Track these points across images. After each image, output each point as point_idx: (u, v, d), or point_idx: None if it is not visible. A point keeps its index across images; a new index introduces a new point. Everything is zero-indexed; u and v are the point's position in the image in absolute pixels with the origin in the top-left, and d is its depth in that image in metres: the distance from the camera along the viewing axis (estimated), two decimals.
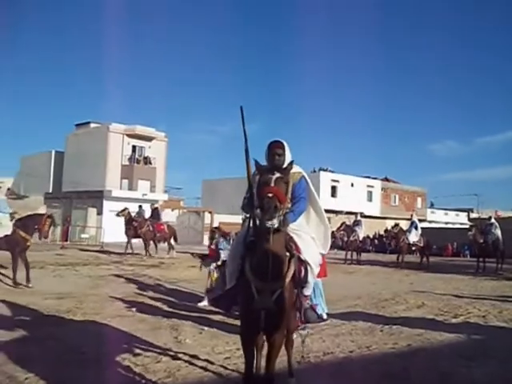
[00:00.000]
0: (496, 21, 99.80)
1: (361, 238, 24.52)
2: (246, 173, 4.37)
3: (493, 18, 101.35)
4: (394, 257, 24.38)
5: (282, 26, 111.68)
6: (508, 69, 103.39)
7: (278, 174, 3.90)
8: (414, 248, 23.34)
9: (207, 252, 11.57)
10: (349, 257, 24.00)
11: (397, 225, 24.01)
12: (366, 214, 29.46)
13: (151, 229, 23.02)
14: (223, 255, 9.97)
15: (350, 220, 26.74)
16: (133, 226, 22.75)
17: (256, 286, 3.94)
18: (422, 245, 23.09)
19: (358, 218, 25.20)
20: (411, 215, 25.55)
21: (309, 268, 4.62)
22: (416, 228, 23.15)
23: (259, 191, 3.85)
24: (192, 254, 10.78)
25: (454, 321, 9.26)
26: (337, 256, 27.46)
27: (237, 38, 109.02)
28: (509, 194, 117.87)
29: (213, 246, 10.82)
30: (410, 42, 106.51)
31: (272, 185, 3.79)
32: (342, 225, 25.17)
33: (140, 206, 24.04)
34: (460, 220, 67.44)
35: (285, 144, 4.86)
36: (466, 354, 6.71)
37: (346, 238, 24.30)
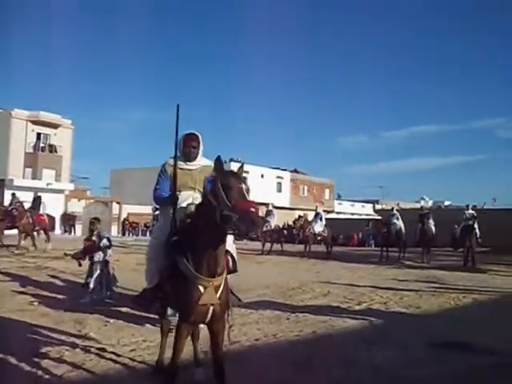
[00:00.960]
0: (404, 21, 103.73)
1: (273, 228, 24.76)
2: (166, 166, 4.80)
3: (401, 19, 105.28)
4: (302, 247, 24.87)
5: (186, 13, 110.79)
6: (416, 68, 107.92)
7: (245, 185, 3.77)
8: (319, 238, 23.92)
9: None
10: (265, 247, 24.12)
11: (301, 216, 24.64)
12: (276, 204, 29.88)
13: (31, 221, 21.54)
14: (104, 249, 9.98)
15: (262, 211, 26.94)
16: (11, 216, 21.02)
17: (203, 284, 3.95)
18: (326, 235, 23.78)
19: (270, 208, 25.50)
20: (316, 207, 26.31)
21: (234, 258, 4.89)
22: (321, 219, 23.91)
23: (239, 203, 3.61)
24: (65, 254, 10.03)
25: (357, 308, 9.56)
26: (247, 246, 27.73)
27: (147, 23, 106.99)
28: (411, 186, 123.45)
29: (94, 238, 10.21)
30: (325, 40, 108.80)
31: (248, 197, 3.70)
32: None
33: (13, 194, 22.63)
34: (366, 211, 69.86)
35: (199, 136, 4.91)
36: (368, 339, 6.93)
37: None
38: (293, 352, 6.30)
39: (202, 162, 4.93)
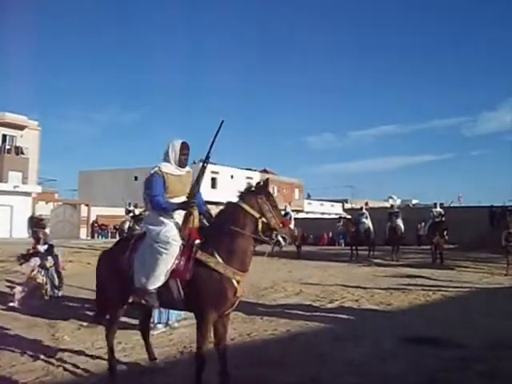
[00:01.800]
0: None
1: None
2: (159, 172, 5.09)
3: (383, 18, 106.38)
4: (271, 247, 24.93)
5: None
6: (383, 67, 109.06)
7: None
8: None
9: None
10: None
11: None
12: None
13: None
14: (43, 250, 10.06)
15: None
16: None
17: (237, 279, 4.68)
18: (296, 234, 23.88)
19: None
20: (285, 206, 26.31)
21: None
22: (290, 218, 23.96)
23: (284, 221, 4.94)
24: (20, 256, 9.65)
25: (329, 306, 9.68)
26: None
27: (109, 21, 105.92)
28: (379, 185, 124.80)
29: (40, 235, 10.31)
30: (290, 38, 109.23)
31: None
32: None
33: None
34: (335, 210, 70.41)
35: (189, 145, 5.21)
36: (341, 337, 7.05)
37: None
38: (268, 350, 6.38)
39: (187, 167, 5.23)
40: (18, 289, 9.53)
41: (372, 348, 6.47)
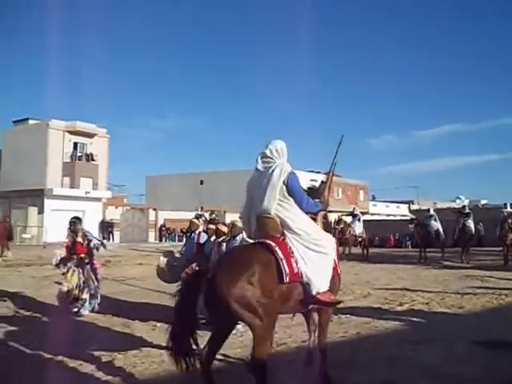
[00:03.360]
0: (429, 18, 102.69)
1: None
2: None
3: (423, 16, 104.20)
4: (340, 249, 24.75)
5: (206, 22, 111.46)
6: (443, 65, 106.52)
7: None
8: (359, 240, 23.75)
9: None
10: None
11: (340, 219, 24.28)
12: None
13: None
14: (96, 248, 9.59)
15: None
16: None
17: None
18: (365, 236, 23.67)
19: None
20: (353, 209, 25.95)
21: None
22: (359, 220, 23.73)
23: None
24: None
25: (399, 309, 9.58)
26: None
27: (174, 29, 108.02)
28: (445, 185, 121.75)
29: (79, 239, 9.47)
30: (351, 40, 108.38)
31: None
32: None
33: None
34: (401, 212, 69.22)
35: None
36: (412, 340, 6.98)
37: None
38: (338, 352, 6.39)
39: None
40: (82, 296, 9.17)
41: (444, 351, 6.38)
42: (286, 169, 4.87)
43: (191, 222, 10.03)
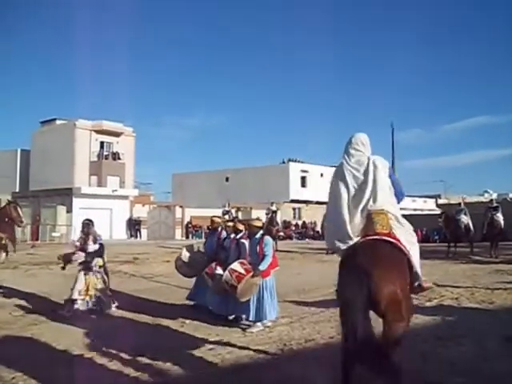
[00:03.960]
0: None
1: None
2: None
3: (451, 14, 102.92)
4: None
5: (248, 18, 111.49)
6: (468, 58, 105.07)
7: None
8: None
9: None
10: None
11: None
12: None
13: None
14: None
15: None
16: None
17: None
18: None
19: None
20: None
21: None
22: None
23: None
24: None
25: (428, 304, 9.48)
26: (309, 246, 27.79)
27: (199, 29, 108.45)
28: (473, 179, 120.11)
29: (90, 242, 9.22)
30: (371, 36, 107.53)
31: None
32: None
33: None
34: (428, 206, 68.44)
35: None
36: (442, 335, 6.91)
37: None
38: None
39: None
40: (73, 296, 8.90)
41: (475, 347, 6.31)
42: (385, 162, 4.87)
43: (212, 219, 10.09)
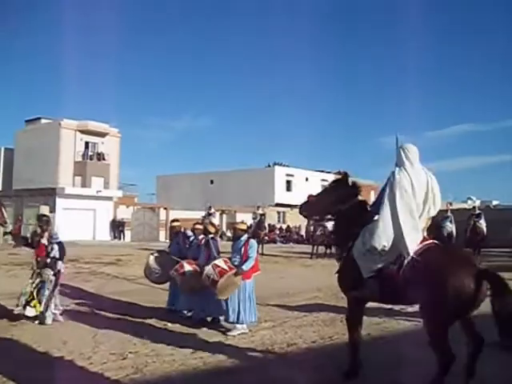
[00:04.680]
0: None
1: (328, 233, 23.79)
2: None
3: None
4: None
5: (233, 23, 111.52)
6: (454, 67, 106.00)
7: None
8: None
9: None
10: (315, 251, 23.29)
11: None
12: None
13: None
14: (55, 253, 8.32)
15: None
16: None
17: None
18: None
19: None
20: None
21: None
22: None
23: None
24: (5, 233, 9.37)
25: (410, 309, 9.47)
26: (293, 249, 27.79)
27: (186, 32, 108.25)
28: (456, 186, 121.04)
29: (44, 241, 8.41)
30: (367, 39, 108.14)
31: None
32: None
33: None
34: None
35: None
36: (423, 341, 6.92)
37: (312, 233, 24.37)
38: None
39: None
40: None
41: (458, 353, 6.33)
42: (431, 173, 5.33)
43: (171, 226, 10.16)
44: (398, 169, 5.22)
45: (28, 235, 8.85)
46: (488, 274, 4.78)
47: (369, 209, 5.61)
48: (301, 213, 6.18)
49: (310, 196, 6.09)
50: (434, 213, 5.26)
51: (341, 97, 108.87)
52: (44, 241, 8.39)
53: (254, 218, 25.38)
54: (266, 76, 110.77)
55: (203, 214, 25.57)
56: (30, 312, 8.03)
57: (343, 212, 5.64)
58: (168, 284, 9.41)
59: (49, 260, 8.30)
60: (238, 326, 7.65)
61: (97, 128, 46.71)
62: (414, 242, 5.01)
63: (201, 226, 9.26)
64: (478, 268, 4.77)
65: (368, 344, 6.92)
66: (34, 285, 8.23)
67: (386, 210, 5.11)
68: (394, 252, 5.07)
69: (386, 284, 5.05)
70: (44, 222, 8.61)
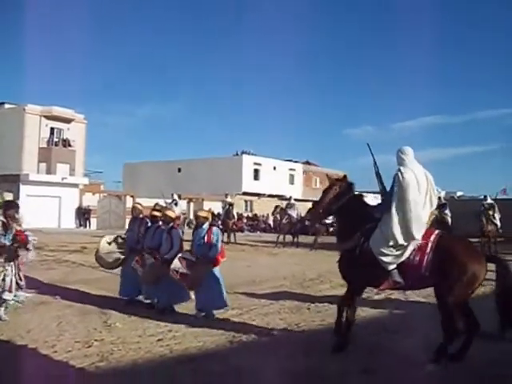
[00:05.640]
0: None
1: (294, 220, 23.80)
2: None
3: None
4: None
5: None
6: (421, 56, 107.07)
7: None
8: (331, 229, 23.58)
9: None
10: (281, 239, 22.94)
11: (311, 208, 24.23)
12: (287, 197, 29.71)
13: None
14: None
15: (282, 203, 26.56)
16: None
17: None
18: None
19: (292, 201, 24.86)
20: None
21: None
22: None
23: None
24: None
25: (376, 297, 9.60)
26: (260, 238, 27.84)
27: (154, 14, 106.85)
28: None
29: (19, 228, 7.65)
30: (334, 29, 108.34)
31: None
32: (276, 208, 25.06)
33: None
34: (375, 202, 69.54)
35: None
36: (389, 328, 7.04)
37: (279, 221, 24.35)
38: (317, 341, 6.42)
39: None
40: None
41: (421, 340, 6.42)
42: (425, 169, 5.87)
43: (134, 206, 9.91)
44: (402, 168, 5.69)
45: None
46: (494, 258, 6.16)
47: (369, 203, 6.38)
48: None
49: (313, 203, 6.59)
50: (435, 205, 5.89)
51: (309, 87, 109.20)
52: (18, 227, 7.58)
53: (223, 207, 25.31)
54: (235, 63, 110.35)
55: (167, 201, 25.35)
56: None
57: (341, 208, 6.11)
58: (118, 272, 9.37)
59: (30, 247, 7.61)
60: (203, 313, 7.65)
61: (62, 114, 45.83)
62: (419, 231, 5.58)
63: (158, 213, 9.09)
64: (484, 253, 5.91)
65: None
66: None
67: (404, 206, 5.57)
68: (413, 244, 5.60)
69: (409, 272, 5.60)
70: (14, 206, 7.90)
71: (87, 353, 5.85)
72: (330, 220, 22.84)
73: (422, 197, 5.67)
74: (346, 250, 6.00)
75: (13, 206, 8.00)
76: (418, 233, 5.58)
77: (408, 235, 5.57)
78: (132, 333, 6.75)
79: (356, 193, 6.33)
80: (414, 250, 5.59)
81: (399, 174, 5.64)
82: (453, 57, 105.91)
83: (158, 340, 6.40)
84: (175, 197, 25.35)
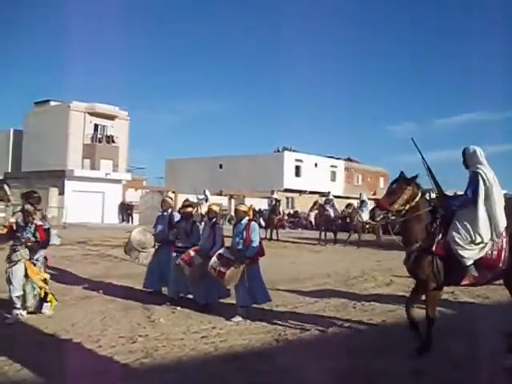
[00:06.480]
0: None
1: (333, 217, 23.51)
2: None
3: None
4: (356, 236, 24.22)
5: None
6: (464, 53, 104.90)
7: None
8: (367, 226, 23.16)
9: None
10: (322, 237, 22.61)
11: (350, 204, 23.86)
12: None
13: None
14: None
15: (321, 199, 26.24)
16: None
17: None
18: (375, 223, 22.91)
19: (330, 197, 24.52)
20: (360, 194, 24.49)
21: None
22: (366, 207, 22.63)
23: None
24: None
25: (423, 298, 9.35)
26: (302, 235, 27.65)
27: (199, 12, 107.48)
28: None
29: (40, 222, 7.23)
30: (376, 27, 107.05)
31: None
32: (315, 204, 24.75)
33: None
34: None
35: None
36: (439, 329, 6.78)
37: (318, 217, 24.11)
38: (365, 340, 6.25)
39: None
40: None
41: (473, 342, 6.18)
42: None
43: (163, 200, 9.92)
44: (482, 166, 5.73)
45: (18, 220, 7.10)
46: None
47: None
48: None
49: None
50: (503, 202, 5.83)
51: (350, 84, 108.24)
52: (39, 222, 7.19)
53: (269, 204, 25.29)
54: (279, 59, 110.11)
55: (200, 197, 25.39)
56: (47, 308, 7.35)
57: (412, 208, 6.02)
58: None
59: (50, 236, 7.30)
60: (242, 310, 7.49)
61: (106, 110, 46.53)
62: (502, 227, 5.69)
63: (190, 209, 9.01)
64: None
65: (385, 331, 6.82)
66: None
67: (492, 204, 5.64)
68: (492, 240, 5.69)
69: (485, 267, 5.70)
70: (36, 199, 7.40)
71: (131, 349, 5.81)
72: (367, 217, 22.50)
73: (501, 196, 5.81)
74: (420, 249, 5.90)
75: (32, 196, 7.41)
76: (502, 228, 5.70)
77: (496, 232, 5.65)
78: (176, 329, 6.70)
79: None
80: (492, 245, 5.66)
81: (482, 173, 5.67)
82: (497, 53, 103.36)
83: (203, 337, 6.32)
84: (207, 193, 25.54)
